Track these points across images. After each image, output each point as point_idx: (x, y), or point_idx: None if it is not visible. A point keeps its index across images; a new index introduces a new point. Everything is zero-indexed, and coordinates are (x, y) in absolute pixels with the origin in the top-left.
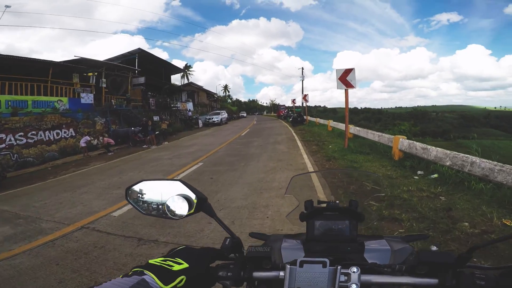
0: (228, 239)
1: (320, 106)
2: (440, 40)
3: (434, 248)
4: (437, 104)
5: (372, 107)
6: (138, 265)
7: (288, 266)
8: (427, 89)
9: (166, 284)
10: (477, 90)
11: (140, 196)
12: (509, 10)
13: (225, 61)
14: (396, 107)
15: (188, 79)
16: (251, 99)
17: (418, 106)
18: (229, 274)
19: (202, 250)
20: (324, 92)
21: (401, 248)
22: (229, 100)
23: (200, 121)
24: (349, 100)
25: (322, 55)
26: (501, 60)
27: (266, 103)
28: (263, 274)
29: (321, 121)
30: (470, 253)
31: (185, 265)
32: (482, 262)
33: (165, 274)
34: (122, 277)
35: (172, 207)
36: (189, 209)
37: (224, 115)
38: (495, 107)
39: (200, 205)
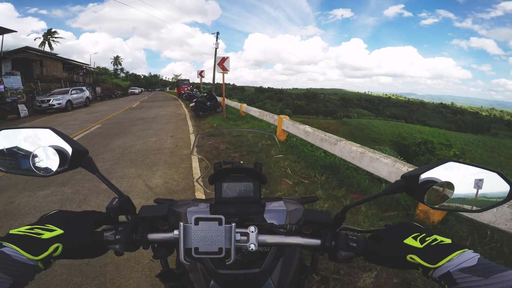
0: (116, 199)
1: (229, 83)
2: (333, 32)
3: None
4: (324, 87)
5: (274, 87)
6: None
7: (182, 224)
8: (317, 74)
9: (35, 255)
10: (352, 77)
11: None
12: (387, 12)
13: (125, 33)
14: (293, 88)
15: (51, 48)
16: (153, 74)
17: (310, 88)
18: (117, 237)
19: (82, 213)
20: (234, 71)
21: (295, 208)
22: (122, 74)
23: (22, 107)
24: (255, 79)
25: (235, 35)
26: (372, 53)
27: (172, 79)
28: (159, 235)
29: (254, 111)
30: (343, 213)
31: (59, 231)
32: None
33: (32, 244)
34: None
35: (38, 161)
36: (62, 164)
37: (81, 94)
38: (365, 92)
39: (77, 159)
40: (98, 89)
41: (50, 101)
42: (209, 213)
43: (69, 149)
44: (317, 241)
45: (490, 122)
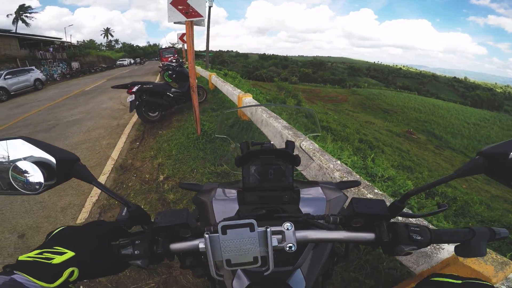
0: (125, 209)
1: (232, 51)
2: (342, 1)
3: None
4: (331, 56)
5: (278, 54)
6: (8, 264)
7: (207, 235)
8: (323, 42)
9: (49, 282)
10: (360, 47)
11: None
12: None
13: (121, 6)
14: (298, 55)
15: (26, 25)
16: (151, 44)
17: (316, 56)
18: (136, 252)
19: (91, 228)
20: (236, 38)
21: (336, 197)
22: (117, 46)
23: None
24: (258, 46)
25: (237, 2)
26: (382, 24)
27: (169, 48)
28: (183, 244)
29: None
30: (403, 201)
31: (70, 253)
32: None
33: (43, 271)
34: None
35: (19, 179)
36: (49, 177)
37: (24, 76)
38: (374, 62)
39: (67, 169)
40: (74, 64)
41: None
42: (236, 201)
43: (52, 159)
44: (370, 235)
45: (504, 99)
